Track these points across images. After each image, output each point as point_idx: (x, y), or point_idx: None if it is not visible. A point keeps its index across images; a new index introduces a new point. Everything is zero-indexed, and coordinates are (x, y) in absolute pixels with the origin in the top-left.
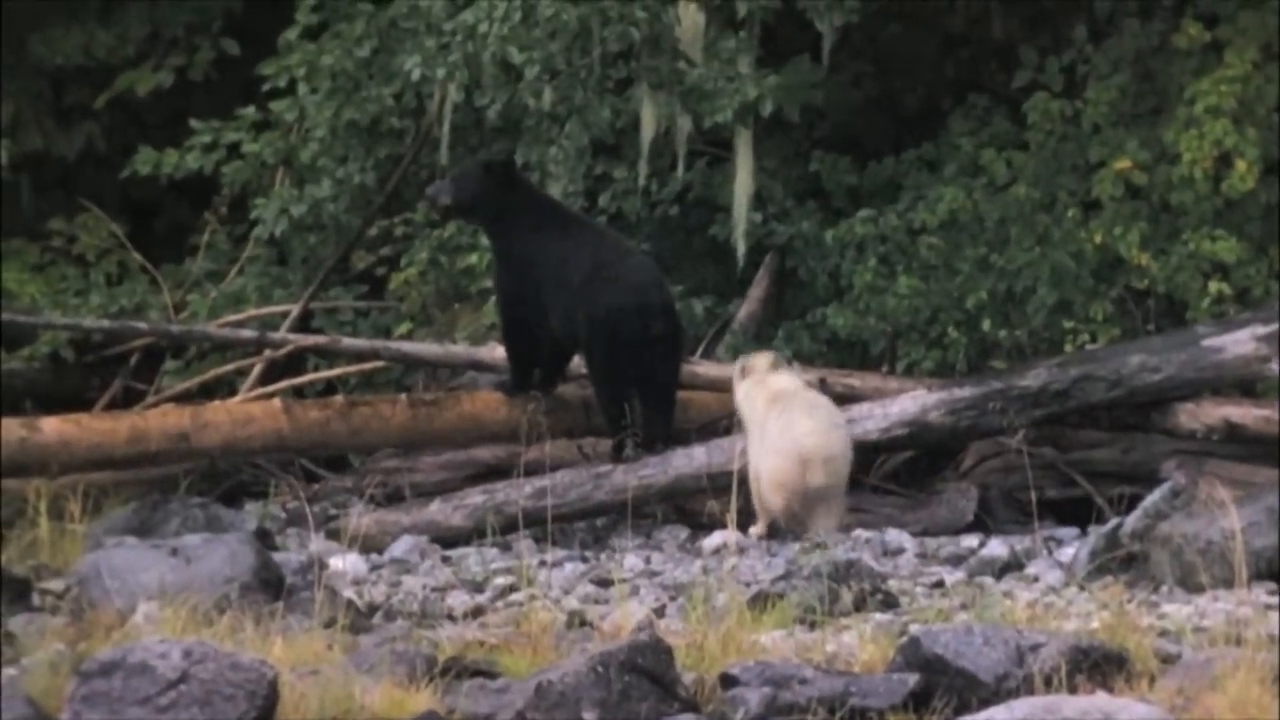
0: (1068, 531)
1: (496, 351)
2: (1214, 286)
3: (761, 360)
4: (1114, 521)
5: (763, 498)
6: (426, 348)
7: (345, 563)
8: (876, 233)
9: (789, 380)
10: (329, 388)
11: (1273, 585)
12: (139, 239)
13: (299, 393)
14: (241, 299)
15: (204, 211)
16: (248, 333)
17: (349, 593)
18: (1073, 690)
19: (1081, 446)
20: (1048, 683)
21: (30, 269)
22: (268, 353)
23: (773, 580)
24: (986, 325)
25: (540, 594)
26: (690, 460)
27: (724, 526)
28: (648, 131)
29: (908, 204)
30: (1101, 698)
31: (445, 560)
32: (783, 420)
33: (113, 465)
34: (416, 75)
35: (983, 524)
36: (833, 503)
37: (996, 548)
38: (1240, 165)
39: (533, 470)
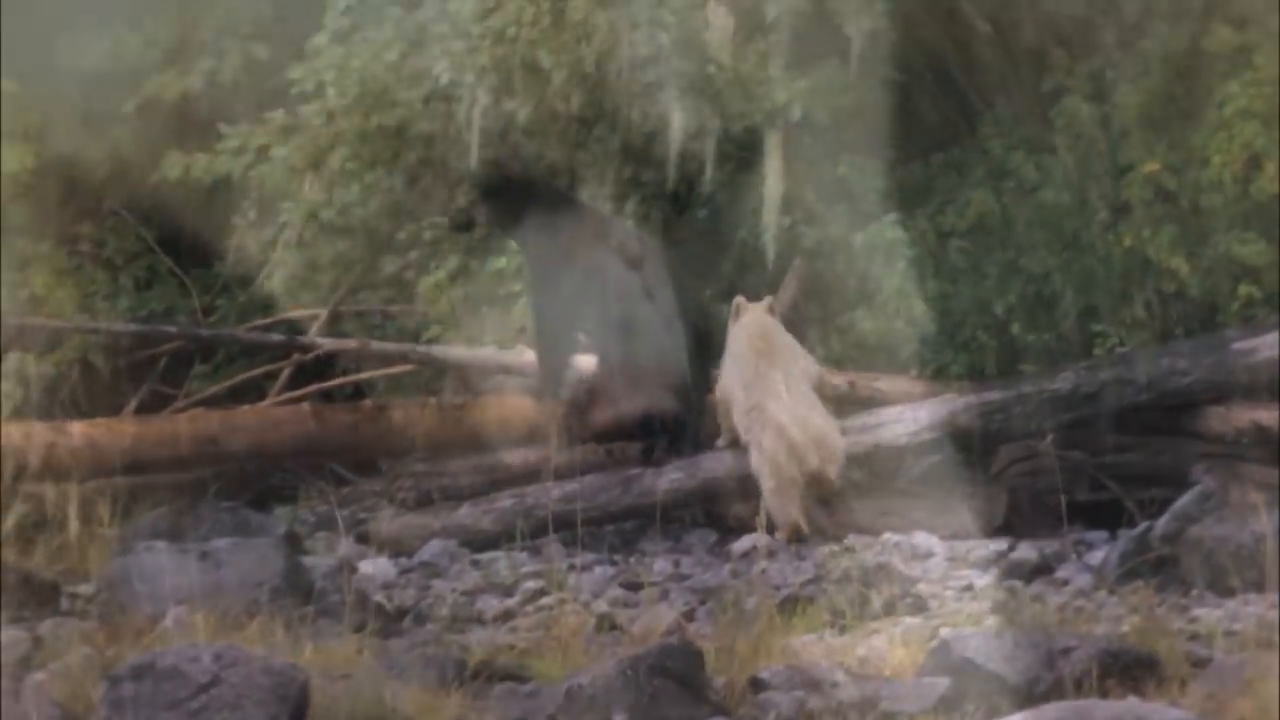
0: (1097, 535)
1: (525, 355)
2: (1244, 290)
3: (759, 307)
4: (1144, 525)
5: (774, 506)
6: (455, 351)
7: (374, 567)
8: (905, 236)
9: (780, 337)
10: (357, 391)
11: None
12: (168, 243)
13: (328, 396)
14: (270, 303)
15: (233, 216)
16: (277, 336)
17: (378, 597)
18: (1103, 694)
19: (1111, 450)
20: (1078, 687)
21: (59, 274)
22: (296, 356)
23: (802, 584)
24: (1016, 329)
25: (570, 598)
26: (719, 464)
27: (753, 530)
28: (677, 135)
29: (936, 208)
30: (1132, 702)
31: (474, 564)
32: (761, 406)
33: (142, 469)
34: (445, 79)
35: (1012, 527)
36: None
37: (1026, 551)
38: (1270, 168)
39: (562, 474)
